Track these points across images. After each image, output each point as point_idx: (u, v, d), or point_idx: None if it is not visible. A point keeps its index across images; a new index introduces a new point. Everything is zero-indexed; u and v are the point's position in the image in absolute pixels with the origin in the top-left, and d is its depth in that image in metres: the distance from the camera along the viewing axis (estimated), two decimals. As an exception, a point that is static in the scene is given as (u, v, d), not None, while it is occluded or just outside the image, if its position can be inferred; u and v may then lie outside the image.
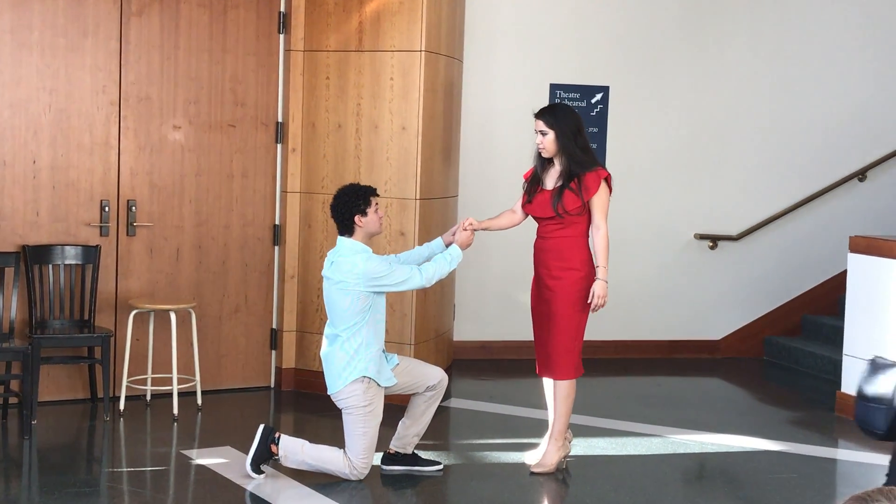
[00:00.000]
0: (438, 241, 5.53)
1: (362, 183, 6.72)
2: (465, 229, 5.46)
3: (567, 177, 5.42)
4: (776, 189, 8.80)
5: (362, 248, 5.22)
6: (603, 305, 5.41)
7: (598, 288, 5.38)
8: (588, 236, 5.52)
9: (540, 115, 5.51)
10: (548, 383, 5.67)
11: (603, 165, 5.49)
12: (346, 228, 5.24)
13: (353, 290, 5.12)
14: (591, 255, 5.52)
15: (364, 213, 5.21)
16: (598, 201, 5.40)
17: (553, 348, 5.50)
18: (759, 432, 6.50)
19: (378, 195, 5.31)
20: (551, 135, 5.43)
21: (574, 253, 5.45)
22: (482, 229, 5.59)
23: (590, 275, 5.47)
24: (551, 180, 5.50)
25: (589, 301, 5.40)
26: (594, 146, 8.31)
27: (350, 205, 5.20)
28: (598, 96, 8.39)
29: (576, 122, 5.49)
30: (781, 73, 8.73)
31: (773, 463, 5.94)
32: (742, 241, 8.76)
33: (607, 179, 5.43)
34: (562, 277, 5.45)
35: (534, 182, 5.58)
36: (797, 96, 8.77)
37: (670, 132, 8.60)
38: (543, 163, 5.55)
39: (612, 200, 8.39)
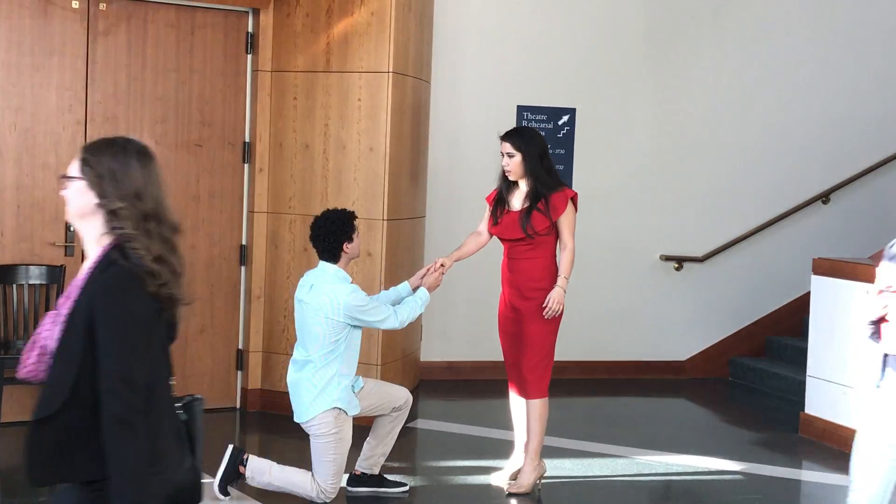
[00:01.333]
0: (405, 286, 5.50)
1: (329, 203, 6.77)
2: (437, 270, 5.43)
3: (534, 198, 5.48)
4: (741, 211, 8.88)
5: (346, 276, 5.22)
6: (557, 312, 5.44)
7: (555, 293, 5.44)
8: (556, 256, 5.57)
9: (507, 137, 5.56)
10: (516, 402, 5.70)
11: (568, 186, 5.55)
12: (332, 256, 5.21)
13: (332, 318, 5.12)
14: (556, 273, 5.56)
15: (351, 240, 5.22)
16: (566, 220, 5.47)
17: (527, 368, 5.53)
18: (724, 453, 6.55)
19: (357, 218, 5.32)
20: (518, 157, 5.49)
21: (544, 273, 5.51)
22: (454, 262, 5.59)
23: None
24: (518, 201, 5.55)
25: (543, 305, 5.42)
26: (561, 168, 8.39)
27: (338, 233, 5.18)
28: (565, 118, 8.45)
29: (541, 144, 5.56)
30: (746, 95, 8.84)
31: (737, 484, 6.00)
32: (707, 263, 8.82)
33: (573, 199, 5.49)
34: (533, 298, 5.50)
35: (499, 203, 5.63)
36: (761, 118, 8.88)
37: (637, 153, 8.66)
38: (508, 184, 5.60)
39: (579, 221, 8.41)
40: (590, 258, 8.49)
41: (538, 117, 8.39)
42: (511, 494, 5.57)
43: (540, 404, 5.56)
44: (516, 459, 5.76)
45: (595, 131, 8.52)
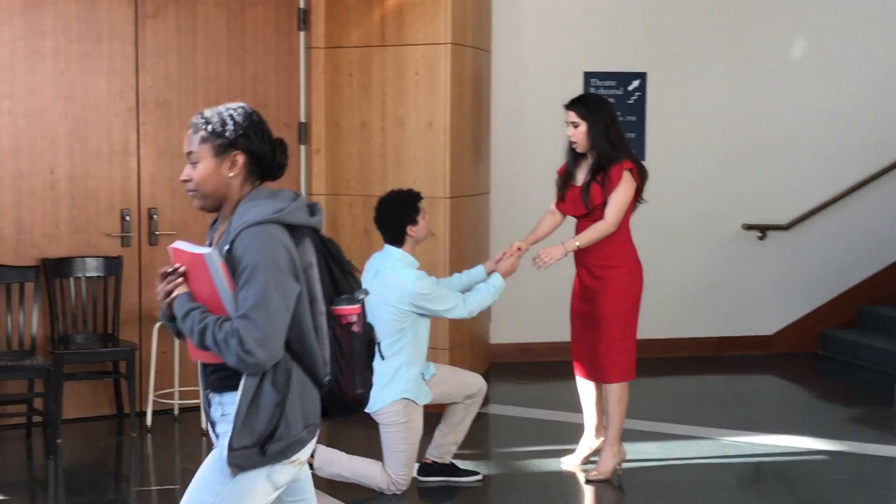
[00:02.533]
0: (479, 270, 5.49)
1: (389, 183, 6.80)
2: (513, 254, 5.39)
3: (594, 170, 5.44)
4: (828, 173, 8.74)
5: (412, 262, 5.24)
6: (545, 265, 5.36)
7: (554, 249, 5.37)
8: (628, 231, 5.54)
9: (571, 105, 5.52)
10: (583, 384, 5.71)
11: (633, 157, 5.48)
12: (396, 239, 5.24)
13: (396, 306, 5.15)
14: (632, 250, 5.54)
15: (415, 223, 5.23)
16: (616, 194, 5.39)
17: (601, 350, 5.52)
18: (816, 431, 6.49)
19: (422, 198, 5.34)
20: (583, 127, 5.45)
21: (614, 249, 5.47)
22: (530, 246, 5.55)
23: (633, 270, 5.51)
24: (582, 175, 5.53)
25: (509, 256, 5.37)
26: (633, 136, 8.34)
27: (401, 215, 5.20)
28: (636, 83, 8.40)
29: (609, 112, 5.50)
30: (830, 53, 8.68)
31: (830, 464, 5.94)
32: (793, 230, 8.72)
33: (631, 171, 5.42)
34: (603, 277, 5.48)
35: (566, 178, 5.61)
36: (847, 76, 8.71)
37: (713, 117, 8.57)
38: (576, 157, 5.57)
39: (654, 192, 8.33)
40: (667, 230, 8.45)
41: (607, 84, 8.34)
42: (590, 481, 5.57)
43: (618, 388, 5.54)
44: (587, 442, 5.78)
45: (668, 96, 8.45)
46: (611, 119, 5.47)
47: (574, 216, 5.58)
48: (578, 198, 5.48)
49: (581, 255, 5.54)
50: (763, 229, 8.68)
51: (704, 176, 8.58)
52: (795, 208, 8.73)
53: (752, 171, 8.65)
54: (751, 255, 8.70)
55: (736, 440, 6.34)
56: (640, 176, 5.47)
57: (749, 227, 8.66)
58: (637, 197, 5.52)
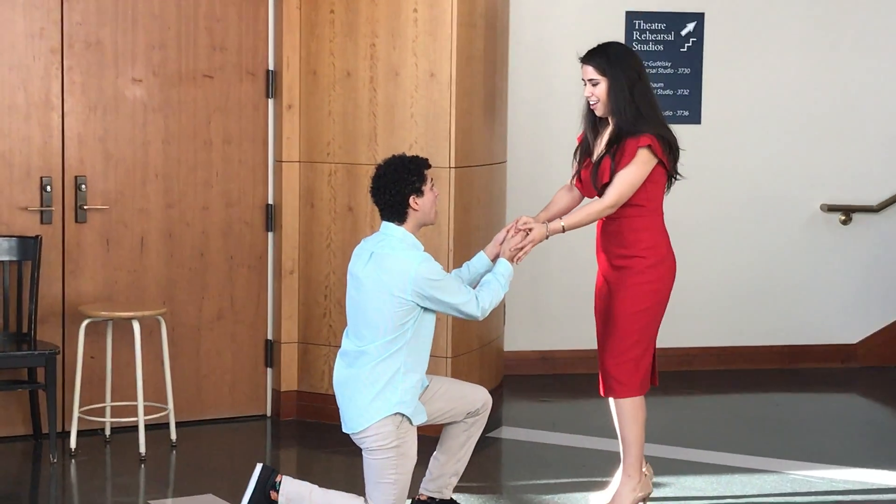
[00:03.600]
0: (481, 258, 5.49)
1: (379, 148, 6.74)
2: (519, 231, 5.39)
3: (611, 141, 5.43)
4: (928, 143, 8.73)
5: (416, 242, 5.22)
6: (520, 251, 5.36)
7: (536, 230, 5.37)
8: (659, 214, 5.49)
9: (588, 58, 5.49)
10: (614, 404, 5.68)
11: (661, 128, 5.39)
12: (398, 214, 5.20)
13: (398, 295, 5.09)
14: (662, 239, 5.51)
15: (420, 193, 5.19)
16: (623, 173, 5.35)
17: (610, 356, 5.52)
18: (910, 465, 6.50)
19: (430, 167, 5.29)
20: (603, 84, 5.40)
21: (637, 235, 5.45)
22: (547, 228, 5.46)
23: (660, 263, 5.47)
24: (600, 148, 5.51)
25: (512, 235, 5.38)
26: (685, 93, 8.29)
27: (402, 183, 5.16)
28: (690, 27, 8.40)
29: (636, 65, 5.46)
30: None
31: (928, 506, 5.92)
32: (884, 213, 8.72)
33: (651, 147, 5.34)
34: (624, 267, 5.47)
35: (584, 151, 5.60)
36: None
37: (786, 72, 8.56)
38: (595, 123, 5.54)
39: (709, 164, 8.36)
40: (725, 212, 8.47)
41: (654, 26, 8.36)
42: None
43: (630, 405, 5.52)
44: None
45: (730, 43, 8.46)
46: (637, 75, 5.44)
47: (589, 197, 5.56)
48: (590, 175, 5.48)
49: (603, 243, 5.55)
50: (847, 211, 8.68)
51: (775, 144, 8.59)
52: (888, 185, 8.73)
53: (834, 141, 8.66)
54: (831, 244, 8.70)
55: (809, 474, 6.32)
56: (667, 151, 5.41)
57: (830, 209, 8.67)
58: (669, 174, 5.48)
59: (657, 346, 5.63)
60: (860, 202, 8.67)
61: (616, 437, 5.77)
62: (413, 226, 5.23)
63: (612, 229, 5.48)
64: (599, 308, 5.61)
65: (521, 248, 5.38)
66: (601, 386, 5.62)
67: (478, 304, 5.20)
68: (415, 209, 5.19)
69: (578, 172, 5.59)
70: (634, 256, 5.44)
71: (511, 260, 5.38)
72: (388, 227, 5.23)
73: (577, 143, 5.67)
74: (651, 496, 5.68)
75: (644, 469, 5.62)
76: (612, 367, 5.50)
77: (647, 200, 5.42)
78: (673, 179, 5.54)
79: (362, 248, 5.28)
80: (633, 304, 5.44)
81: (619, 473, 5.71)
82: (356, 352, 5.20)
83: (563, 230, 5.44)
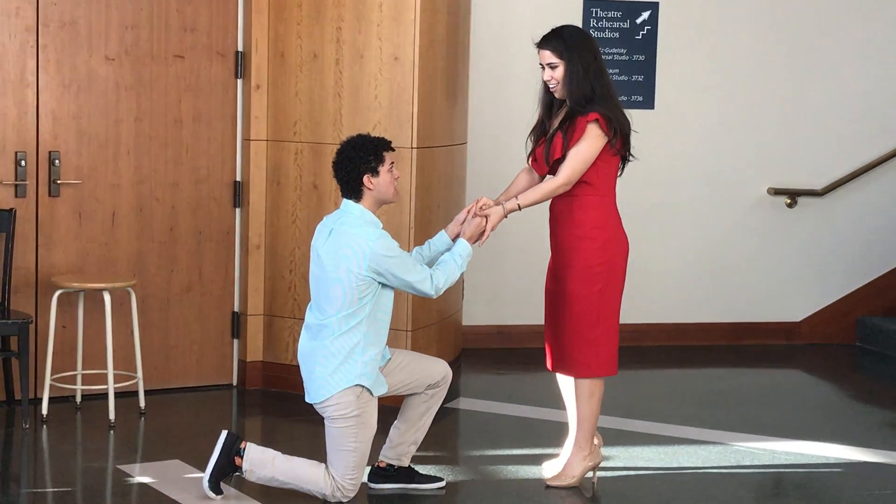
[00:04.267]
0: (441, 237, 5.50)
1: (344, 128, 6.77)
2: (479, 213, 5.41)
3: (564, 119, 5.44)
4: (870, 130, 8.76)
5: (373, 219, 5.23)
6: (479, 235, 5.39)
7: (493, 213, 5.40)
8: (610, 195, 5.50)
9: (545, 43, 5.48)
10: (565, 380, 5.72)
11: (613, 107, 5.40)
12: (352, 191, 5.23)
13: (355, 271, 5.13)
14: (613, 218, 5.52)
15: (375, 173, 5.21)
16: (575, 151, 5.36)
17: (567, 337, 5.53)
18: (850, 438, 6.51)
19: (393, 150, 5.31)
20: (562, 68, 5.42)
21: (587, 215, 5.45)
22: (505, 208, 5.47)
23: (610, 244, 5.48)
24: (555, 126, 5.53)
25: (472, 217, 5.41)
26: (640, 79, 8.33)
27: (357, 161, 5.20)
28: (645, 15, 8.41)
29: (592, 47, 5.47)
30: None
31: (866, 477, 5.96)
32: (828, 197, 8.75)
33: (598, 122, 5.35)
34: (573, 248, 5.47)
35: (539, 131, 5.61)
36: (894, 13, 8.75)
37: (737, 59, 8.57)
38: (551, 105, 5.55)
39: (662, 148, 8.39)
40: (676, 193, 8.48)
41: (610, 14, 8.35)
42: (549, 487, 5.60)
43: (588, 384, 5.55)
44: (570, 446, 5.77)
45: (684, 32, 8.46)
46: (593, 57, 5.44)
47: (542, 175, 5.57)
48: (542, 152, 5.47)
49: (551, 220, 5.56)
50: (793, 195, 8.70)
51: (725, 129, 8.60)
52: (833, 171, 8.75)
53: (782, 125, 8.67)
54: (777, 226, 8.73)
55: (753, 446, 6.35)
56: (616, 129, 5.39)
57: (777, 192, 8.69)
58: (622, 155, 5.48)
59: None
60: (806, 186, 8.71)
61: (565, 409, 5.84)
62: (371, 203, 5.26)
63: (561, 207, 5.48)
64: (550, 287, 5.61)
65: (483, 233, 5.43)
66: (554, 363, 5.64)
67: (432, 283, 5.23)
68: (369, 188, 5.22)
69: (533, 151, 5.60)
70: (583, 237, 5.43)
71: (472, 243, 5.43)
72: (348, 205, 5.26)
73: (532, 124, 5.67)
74: (601, 465, 5.72)
75: (595, 440, 5.68)
76: (571, 347, 5.51)
77: (596, 179, 5.42)
78: (626, 161, 5.54)
79: (323, 225, 5.31)
80: (585, 286, 5.44)
81: (567, 443, 5.74)
82: (318, 325, 5.25)
83: (520, 208, 5.44)
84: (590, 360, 5.52)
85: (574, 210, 5.46)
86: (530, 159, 5.64)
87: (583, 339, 5.49)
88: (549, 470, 5.78)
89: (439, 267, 5.30)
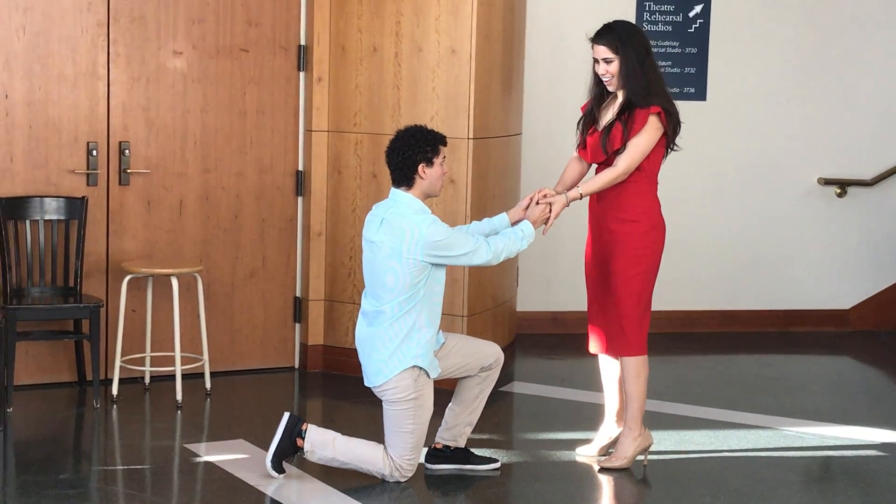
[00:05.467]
0: (502, 218, 5.51)
1: (403, 119, 6.78)
2: (540, 202, 5.43)
3: (621, 111, 5.44)
4: (922, 121, 8.70)
5: (423, 207, 5.24)
6: (545, 219, 5.41)
7: (557, 202, 5.41)
8: (654, 182, 5.52)
9: (599, 38, 5.48)
10: (607, 363, 5.72)
11: (668, 100, 5.43)
12: (406, 179, 5.23)
13: (408, 257, 5.14)
14: (654, 205, 5.53)
15: (430, 163, 5.22)
16: (635, 141, 5.38)
17: (616, 318, 5.54)
18: (896, 423, 6.50)
19: (446, 146, 5.32)
20: (617, 62, 5.42)
21: (631, 201, 5.47)
22: (566, 198, 5.48)
23: (652, 230, 5.50)
24: (608, 116, 5.52)
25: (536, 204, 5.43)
26: (692, 71, 8.29)
27: (415, 149, 5.20)
28: (698, 8, 8.38)
29: (645, 42, 5.49)
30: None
31: (911, 461, 5.93)
32: (878, 187, 8.69)
33: (659, 115, 5.38)
34: (619, 231, 5.49)
35: (588, 120, 5.60)
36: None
37: (789, 50, 8.53)
38: (601, 95, 5.55)
39: (714, 139, 8.35)
40: (728, 184, 8.45)
41: (663, 8, 8.34)
42: (604, 470, 5.59)
43: (636, 362, 5.55)
44: (607, 430, 5.79)
45: (736, 24, 8.42)
46: (645, 51, 5.46)
47: (594, 163, 5.58)
48: (598, 141, 5.46)
49: (595, 205, 5.56)
50: (843, 185, 8.65)
51: (776, 120, 8.56)
52: (882, 160, 8.69)
53: (831, 116, 8.61)
54: (827, 215, 8.69)
55: (802, 431, 6.33)
56: (670, 122, 5.43)
57: (826, 182, 8.64)
58: (668, 144, 5.51)
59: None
60: (855, 176, 8.65)
61: (600, 392, 5.84)
62: (419, 193, 5.25)
63: (609, 192, 5.48)
64: (593, 274, 5.63)
65: (547, 221, 5.43)
66: (601, 344, 5.64)
67: (489, 248, 5.20)
68: (422, 177, 5.22)
69: (584, 140, 5.61)
70: (629, 221, 5.45)
71: (536, 227, 5.40)
72: (397, 194, 5.26)
73: (581, 114, 5.67)
74: (652, 449, 5.70)
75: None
76: (619, 328, 5.53)
77: (646, 166, 5.45)
78: (669, 150, 5.54)
79: (374, 215, 5.32)
80: (632, 268, 5.46)
81: (602, 427, 5.78)
82: (375, 312, 5.26)
83: (581, 197, 5.48)
84: (635, 339, 5.54)
85: (622, 195, 5.47)
86: (579, 148, 5.63)
87: (630, 320, 5.51)
88: (583, 454, 5.78)
89: (501, 235, 5.30)
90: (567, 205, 5.47)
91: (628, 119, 5.40)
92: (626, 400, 5.60)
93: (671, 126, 5.43)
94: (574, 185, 5.65)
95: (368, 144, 7.02)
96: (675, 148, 5.56)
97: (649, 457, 5.71)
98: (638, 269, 5.48)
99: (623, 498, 5.47)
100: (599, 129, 5.51)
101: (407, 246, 5.13)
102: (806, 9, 8.51)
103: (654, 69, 5.47)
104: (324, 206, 7.19)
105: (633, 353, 5.55)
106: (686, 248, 8.26)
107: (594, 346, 5.71)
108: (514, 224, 5.47)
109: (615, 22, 5.56)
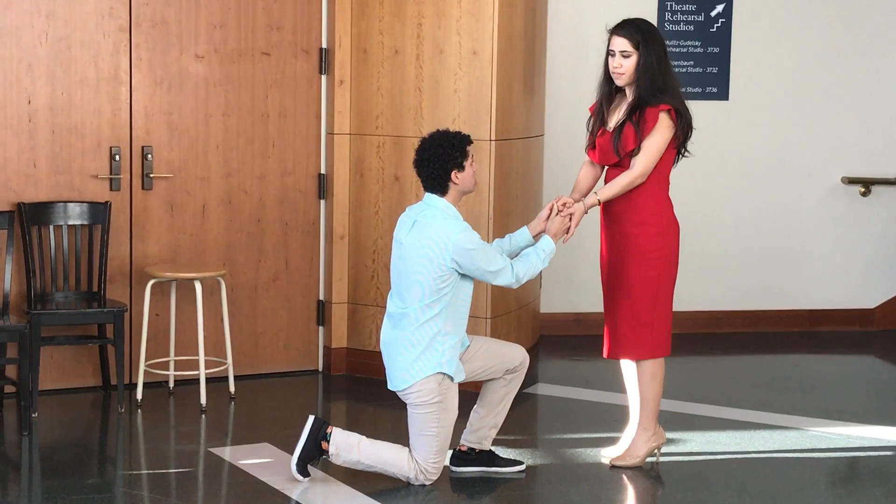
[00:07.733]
0: (523, 233, 5.50)
1: (425, 121, 6.77)
2: (561, 211, 5.42)
3: (631, 110, 5.40)
4: (946, 119, 8.66)
5: (456, 213, 5.25)
6: (564, 231, 5.39)
7: (577, 211, 5.40)
8: (665, 183, 5.49)
9: (621, 31, 5.45)
10: (628, 364, 5.71)
11: (680, 100, 5.39)
12: (439, 186, 5.24)
13: (437, 261, 5.14)
14: (667, 206, 5.51)
15: (461, 168, 5.23)
16: (650, 142, 5.36)
17: (625, 321, 5.52)
18: (923, 423, 6.47)
19: (472, 143, 5.32)
20: (634, 57, 5.39)
21: (644, 203, 5.44)
22: (585, 203, 5.47)
23: (667, 231, 5.47)
24: (616, 116, 5.49)
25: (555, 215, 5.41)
26: (714, 71, 8.28)
27: (446, 158, 5.21)
28: (720, 8, 8.38)
29: (662, 42, 5.48)
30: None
31: (939, 462, 5.90)
32: (902, 186, 8.67)
33: (669, 113, 5.34)
34: (633, 234, 5.46)
35: (598, 121, 5.57)
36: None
37: (812, 50, 8.51)
38: (611, 94, 5.52)
39: (738, 139, 8.34)
40: (752, 183, 8.44)
41: (685, 7, 8.33)
42: (615, 467, 5.60)
43: (653, 365, 5.55)
44: (632, 432, 5.77)
45: (758, 24, 8.41)
46: (663, 51, 5.45)
47: (605, 165, 5.55)
48: (609, 143, 5.42)
49: (611, 209, 5.52)
50: (867, 184, 8.63)
51: (799, 119, 8.55)
52: (906, 159, 8.64)
53: (855, 115, 8.60)
54: (851, 214, 8.67)
55: (828, 431, 6.31)
56: (681, 122, 5.39)
57: (850, 181, 8.62)
58: (679, 148, 5.47)
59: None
60: (879, 175, 8.63)
61: (624, 393, 5.83)
62: (454, 197, 5.27)
63: (622, 196, 5.44)
64: (605, 274, 5.61)
65: (568, 231, 5.41)
66: (610, 347, 5.62)
67: (513, 272, 5.22)
68: (455, 183, 5.23)
69: (593, 141, 5.57)
70: (643, 223, 5.43)
71: (556, 240, 5.40)
72: (431, 199, 5.27)
73: (589, 114, 5.64)
74: (678, 450, 5.70)
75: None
76: (628, 330, 5.51)
77: (658, 167, 5.41)
78: (680, 156, 5.52)
79: (406, 216, 5.33)
80: (644, 271, 5.44)
81: (628, 429, 5.76)
82: (400, 314, 5.25)
83: (599, 203, 5.46)
84: (646, 343, 5.52)
85: (633, 198, 5.44)
86: (589, 150, 5.60)
87: (640, 323, 5.50)
88: (608, 456, 5.77)
89: (521, 259, 5.30)
90: (585, 212, 5.47)
91: (639, 119, 5.37)
92: (641, 401, 5.60)
93: (682, 126, 5.39)
94: (589, 190, 5.64)
95: (391, 147, 7.02)
96: (687, 154, 5.53)
97: (673, 458, 5.70)
98: (652, 273, 5.46)
99: (648, 499, 5.46)
100: (609, 130, 5.47)
101: (437, 250, 5.13)
102: (828, 7, 8.48)
103: (669, 71, 5.45)
104: (346, 209, 7.19)
105: (649, 356, 5.53)
106: (710, 249, 8.25)
107: (605, 350, 5.68)
108: (535, 237, 5.46)
109: (634, 18, 5.54)
